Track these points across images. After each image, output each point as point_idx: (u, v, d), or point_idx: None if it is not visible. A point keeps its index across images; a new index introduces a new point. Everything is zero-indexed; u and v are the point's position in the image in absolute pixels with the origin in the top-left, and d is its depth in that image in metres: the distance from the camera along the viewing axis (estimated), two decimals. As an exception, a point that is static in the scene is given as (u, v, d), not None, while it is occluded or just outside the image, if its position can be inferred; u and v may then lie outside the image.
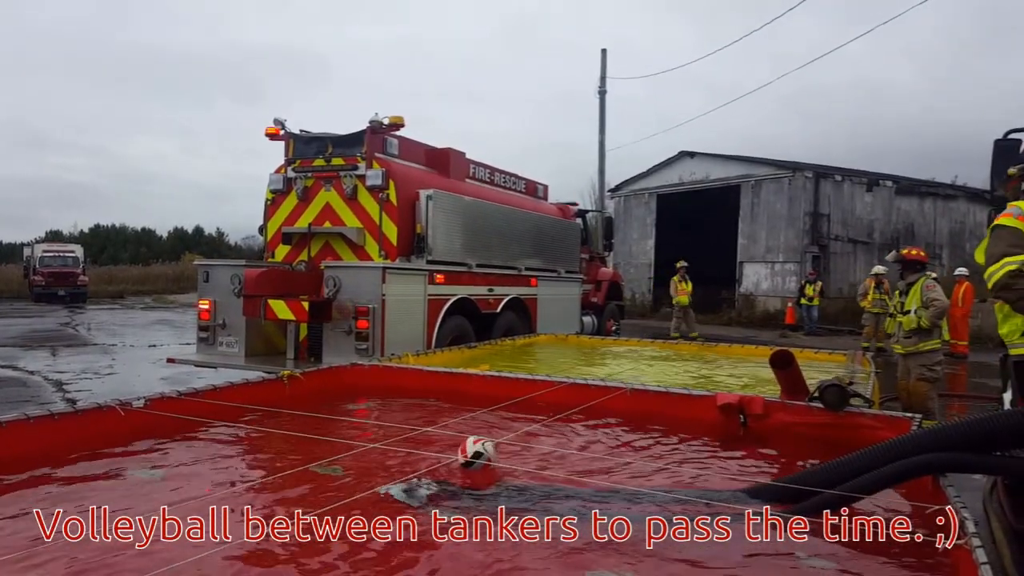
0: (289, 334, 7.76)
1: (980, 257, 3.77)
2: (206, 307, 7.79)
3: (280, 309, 7.02)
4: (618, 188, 31.17)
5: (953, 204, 26.86)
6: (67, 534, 1.77)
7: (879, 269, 15.48)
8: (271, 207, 8.39)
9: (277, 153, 8.35)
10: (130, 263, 51.28)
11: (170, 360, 8.47)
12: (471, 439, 2.39)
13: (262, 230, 8.62)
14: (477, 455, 2.34)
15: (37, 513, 1.92)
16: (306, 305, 6.95)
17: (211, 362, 7.82)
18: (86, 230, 64.98)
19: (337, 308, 7.08)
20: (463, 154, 9.41)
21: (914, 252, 7.68)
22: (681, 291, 17.29)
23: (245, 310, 7.28)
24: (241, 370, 7.18)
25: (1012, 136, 4.62)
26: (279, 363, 7.43)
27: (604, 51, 26.46)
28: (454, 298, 8.18)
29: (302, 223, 8.11)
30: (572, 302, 11.55)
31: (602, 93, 26.31)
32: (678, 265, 17.62)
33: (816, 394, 2.99)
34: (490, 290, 9.02)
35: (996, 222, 3.64)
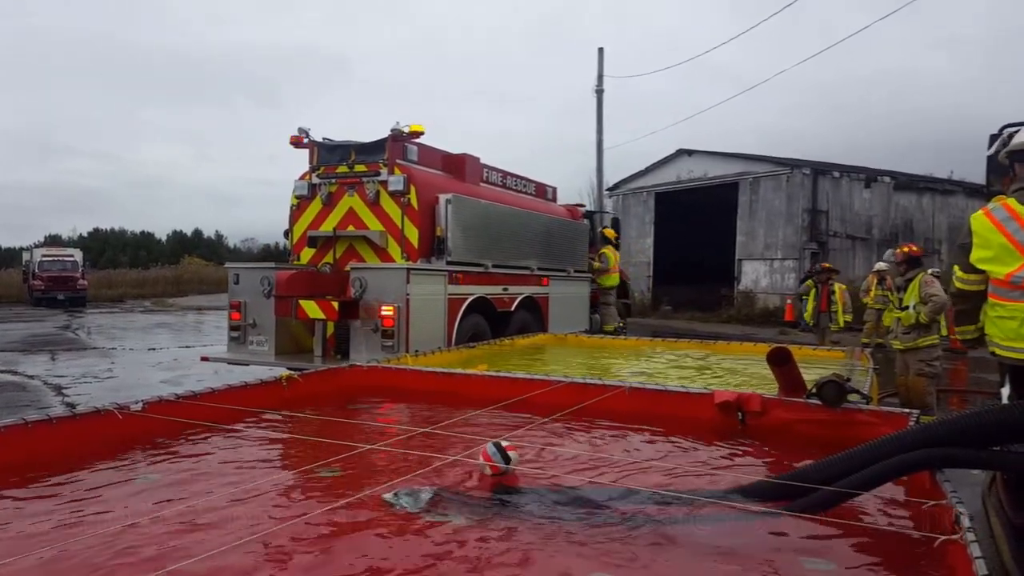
0: (317, 332, 8.08)
1: None
2: (236, 308, 8.14)
3: (311, 309, 7.40)
4: (616, 187, 31.19)
5: (952, 199, 26.88)
6: (65, 539, 1.77)
7: (881, 265, 15.33)
8: (296, 212, 8.77)
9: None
10: (129, 267, 51.27)
11: (203, 358, 8.98)
12: (491, 446, 2.36)
13: (287, 234, 8.98)
14: (506, 457, 2.33)
15: (34, 518, 1.93)
16: (336, 305, 7.29)
17: (242, 360, 8.19)
18: (85, 234, 65.14)
19: (364, 308, 7.41)
20: (478, 159, 9.73)
21: (913, 248, 7.67)
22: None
23: (277, 310, 7.67)
24: (271, 366, 7.58)
25: (1007, 131, 4.62)
26: (307, 360, 7.87)
27: (601, 50, 26.39)
28: (472, 297, 8.52)
29: (327, 227, 8.46)
30: (582, 300, 11.86)
31: (599, 92, 26.25)
32: None
33: (814, 390, 3.00)
34: (505, 289, 9.33)
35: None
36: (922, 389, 7.33)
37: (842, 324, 11.73)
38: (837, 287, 11.94)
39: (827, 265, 12.78)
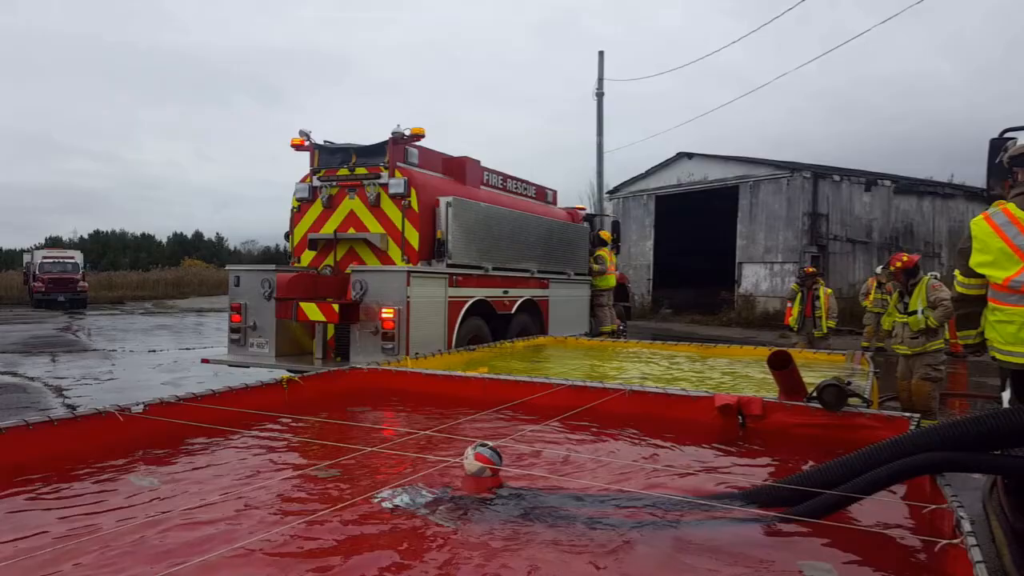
0: (317, 335, 8.13)
1: None
2: (237, 310, 8.18)
3: (311, 311, 7.43)
4: (616, 190, 31.19)
5: (952, 203, 26.84)
6: (66, 540, 1.77)
7: (881, 270, 15.28)
8: (297, 214, 8.79)
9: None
10: (130, 268, 51.31)
11: (204, 360, 8.92)
12: (472, 450, 2.35)
13: (288, 236, 8.99)
14: (495, 454, 2.33)
15: (35, 519, 1.93)
16: (336, 307, 7.33)
17: (243, 362, 8.19)
18: (86, 236, 65.17)
19: (364, 310, 7.42)
20: (478, 162, 9.77)
21: (903, 259, 7.56)
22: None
23: (278, 312, 7.69)
24: (272, 369, 7.61)
25: (1008, 135, 4.62)
26: (307, 362, 7.89)
27: (601, 53, 26.44)
28: (472, 300, 8.54)
29: (327, 229, 8.49)
30: (582, 303, 11.90)
31: (599, 95, 26.29)
32: None
33: (814, 394, 2.99)
34: (505, 292, 9.37)
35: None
36: (927, 393, 7.30)
37: (824, 330, 11.60)
38: (823, 291, 11.79)
39: (810, 269, 12.64)
